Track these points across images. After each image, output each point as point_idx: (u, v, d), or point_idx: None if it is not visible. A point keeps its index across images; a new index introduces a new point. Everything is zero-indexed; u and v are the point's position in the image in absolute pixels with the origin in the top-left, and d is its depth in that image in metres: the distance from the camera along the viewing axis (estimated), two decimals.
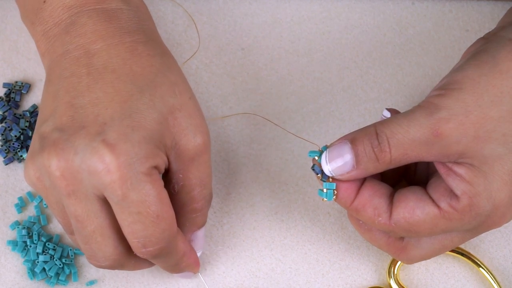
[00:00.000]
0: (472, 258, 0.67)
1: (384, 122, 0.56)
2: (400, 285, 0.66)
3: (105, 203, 0.56)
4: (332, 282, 0.67)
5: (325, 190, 0.58)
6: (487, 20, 0.73)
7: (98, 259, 0.58)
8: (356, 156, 0.56)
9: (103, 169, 0.55)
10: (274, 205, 0.69)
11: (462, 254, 0.67)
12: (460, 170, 0.56)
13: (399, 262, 0.66)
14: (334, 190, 0.58)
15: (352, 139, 0.57)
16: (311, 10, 0.73)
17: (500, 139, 0.55)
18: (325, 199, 0.58)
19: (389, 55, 0.72)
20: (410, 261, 0.61)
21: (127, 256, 0.58)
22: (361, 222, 0.60)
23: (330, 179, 0.58)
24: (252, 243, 0.68)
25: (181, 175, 0.59)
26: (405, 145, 0.55)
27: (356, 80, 0.71)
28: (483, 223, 0.58)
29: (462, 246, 0.67)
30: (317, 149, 0.58)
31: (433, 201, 0.57)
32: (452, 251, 0.67)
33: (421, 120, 0.55)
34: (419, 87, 0.71)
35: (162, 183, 0.57)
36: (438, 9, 0.73)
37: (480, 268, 0.66)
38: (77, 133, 0.56)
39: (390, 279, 0.66)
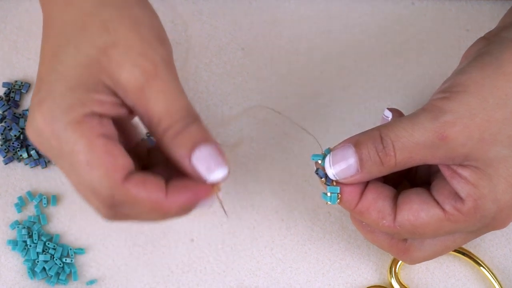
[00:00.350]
0: (473, 257, 0.67)
1: (388, 125, 0.56)
2: (402, 284, 0.66)
3: None
4: (333, 281, 0.67)
5: (329, 194, 0.58)
6: (487, 19, 0.73)
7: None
8: (360, 160, 0.56)
9: (38, 128, 0.54)
10: (274, 205, 0.69)
11: (463, 254, 0.67)
12: (464, 172, 0.56)
13: (400, 261, 0.66)
14: (338, 193, 0.58)
15: (356, 142, 0.57)
16: (311, 9, 0.73)
17: (505, 141, 0.55)
18: (329, 202, 0.58)
19: (389, 54, 0.72)
20: (413, 262, 0.61)
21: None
22: (363, 223, 0.60)
23: (334, 183, 0.58)
24: (252, 243, 0.68)
25: (140, 109, 0.56)
26: (410, 149, 0.55)
27: (356, 79, 0.71)
28: (488, 225, 0.58)
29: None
30: (320, 152, 0.58)
31: (437, 203, 0.57)
32: (453, 250, 0.67)
33: (426, 123, 0.55)
34: (419, 85, 0.71)
35: (99, 129, 0.55)
36: (438, 8, 0.73)
37: (481, 267, 0.66)
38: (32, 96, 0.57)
39: (391, 278, 0.66)
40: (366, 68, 0.72)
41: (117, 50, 0.55)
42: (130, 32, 0.56)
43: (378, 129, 0.57)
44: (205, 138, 0.56)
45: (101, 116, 0.55)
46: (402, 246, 0.60)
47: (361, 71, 0.72)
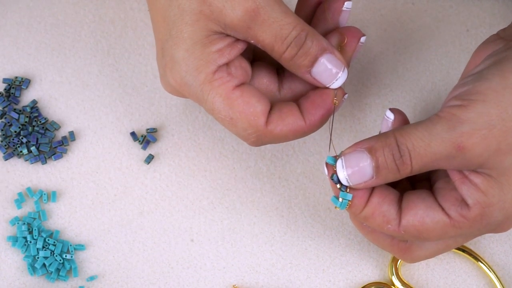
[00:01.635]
0: (473, 253, 0.67)
1: (403, 133, 0.55)
2: (402, 281, 0.66)
3: None
4: (333, 278, 0.67)
5: (340, 200, 0.57)
6: (487, 15, 0.73)
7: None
8: (377, 166, 0.56)
9: (176, 90, 0.60)
10: (274, 201, 0.69)
11: (463, 250, 0.67)
12: (476, 179, 0.55)
13: None
14: (349, 200, 0.57)
15: (370, 148, 0.56)
16: None
17: None
18: (338, 207, 0.58)
19: (390, 50, 0.72)
20: (414, 260, 0.61)
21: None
22: (364, 224, 0.60)
23: (348, 189, 0.57)
24: (253, 239, 0.68)
25: (252, 41, 0.58)
26: (426, 159, 0.55)
27: (356, 75, 0.71)
28: (492, 230, 0.58)
29: None
30: (334, 156, 0.57)
31: (442, 209, 0.57)
32: None
33: (443, 134, 0.54)
34: (420, 82, 0.71)
35: (231, 81, 0.58)
36: (439, 4, 0.73)
37: (481, 264, 0.66)
38: None
39: (392, 275, 0.66)
40: (367, 64, 0.72)
41: None
42: None
43: (394, 136, 0.56)
44: (319, 50, 0.59)
45: (227, 64, 0.58)
46: (403, 246, 0.60)
47: (361, 67, 0.72)
